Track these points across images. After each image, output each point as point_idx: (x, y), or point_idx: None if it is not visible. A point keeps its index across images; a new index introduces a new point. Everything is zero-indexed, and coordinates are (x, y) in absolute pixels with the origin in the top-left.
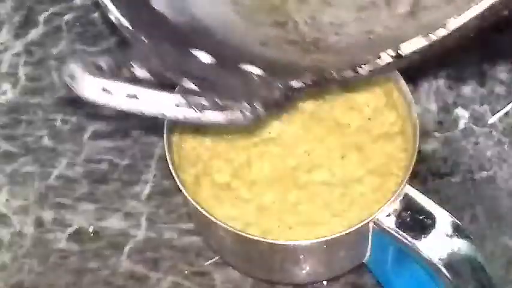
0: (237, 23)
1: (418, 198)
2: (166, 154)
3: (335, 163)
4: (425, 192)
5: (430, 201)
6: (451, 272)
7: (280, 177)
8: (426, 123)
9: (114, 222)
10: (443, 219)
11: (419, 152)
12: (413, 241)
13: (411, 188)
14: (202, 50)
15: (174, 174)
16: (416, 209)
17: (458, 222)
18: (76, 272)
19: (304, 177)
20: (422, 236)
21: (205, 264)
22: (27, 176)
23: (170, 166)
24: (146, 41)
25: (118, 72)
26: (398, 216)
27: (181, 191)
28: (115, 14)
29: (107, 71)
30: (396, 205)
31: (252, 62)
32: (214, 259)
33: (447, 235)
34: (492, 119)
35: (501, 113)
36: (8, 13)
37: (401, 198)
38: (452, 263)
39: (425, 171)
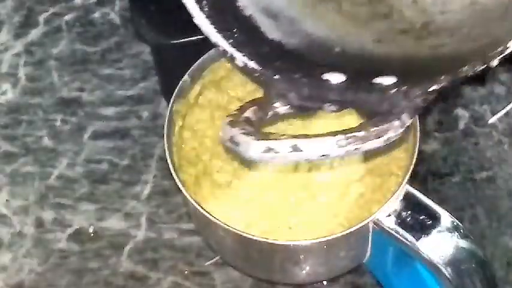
0: (347, 26)
1: (418, 198)
2: (166, 154)
3: (335, 163)
4: (425, 192)
5: (430, 201)
6: (451, 272)
7: (281, 177)
8: (426, 123)
9: (114, 222)
10: (443, 219)
11: (419, 152)
12: (414, 241)
13: (411, 188)
14: (326, 67)
15: (174, 174)
16: (416, 209)
17: (458, 222)
18: (76, 272)
19: (305, 177)
20: (423, 236)
21: (205, 264)
22: (27, 176)
23: (170, 166)
24: (277, 78)
25: (264, 117)
26: (398, 216)
27: (181, 191)
28: (241, 59)
29: (256, 121)
30: (396, 205)
31: (380, 71)
32: (214, 259)
33: (447, 235)
34: (492, 119)
35: (501, 113)
36: (8, 13)
37: (401, 198)
38: (453, 262)
39: (425, 171)
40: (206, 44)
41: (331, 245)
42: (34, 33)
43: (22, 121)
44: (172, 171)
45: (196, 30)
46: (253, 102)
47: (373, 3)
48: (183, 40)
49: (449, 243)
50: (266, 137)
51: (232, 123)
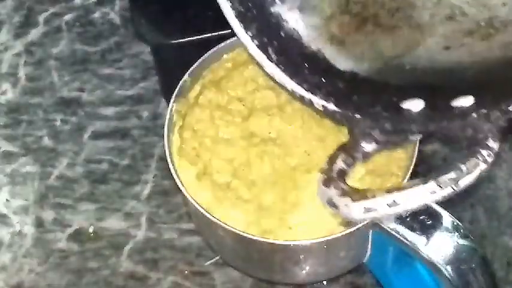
0: (413, 35)
1: None
2: (166, 154)
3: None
4: None
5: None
6: (451, 272)
7: (280, 177)
8: None
9: (114, 222)
10: (444, 219)
11: (419, 152)
12: (414, 241)
13: None
14: (402, 93)
15: (174, 174)
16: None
17: (459, 222)
18: (76, 272)
19: (304, 177)
20: (423, 235)
21: (205, 264)
22: (27, 176)
23: (170, 166)
24: (359, 117)
25: (354, 161)
26: (399, 216)
27: (181, 191)
28: (319, 102)
29: (345, 167)
30: None
31: (456, 89)
32: (214, 259)
33: (447, 235)
34: None
35: None
36: (8, 13)
37: None
38: (453, 262)
39: (425, 171)
40: (206, 44)
41: (331, 245)
42: (34, 33)
43: (22, 121)
44: (172, 171)
45: (196, 30)
46: (341, 148)
47: (434, 5)
48: (183, 40)
49: (449, 243)
50: (362, 195)
51: (326, 182)
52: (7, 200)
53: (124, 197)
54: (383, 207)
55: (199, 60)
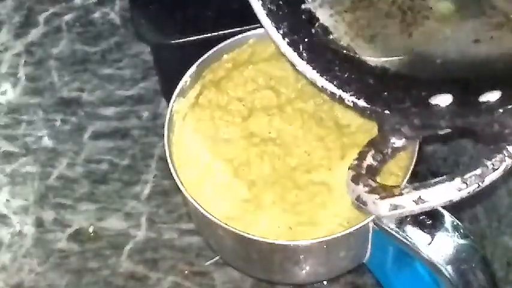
0: (444, 30)
1: None
2: (167, 154)
3: (335, 163)
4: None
5: None
6: (452, 272)
7: (280, 177)
8: None
9: (114, 222)
10: (444, 219)
11: (419, 152)
12: (413, 241)
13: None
14: (432, 87)
15: (174, 174)
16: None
17: (459, 222)
18: (76, 272)
19: (304, 177)
20: (423, 236)
21: (205, 264)
22: (27, 176)
23: (170, 166)
24: (388, 113)
25: (383, 157)
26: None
27: (181, 191)
28: (350, 99)
29: (374, 163)
30: None
31: (484, 84)
32: (214, 259)
33: (447, 235)
34: None
35: None
36: (8, 13)
37: None
38: (453, 262)
39: (425, 171)
40: (206, 44)
41: (331, 245)
42: (34, 33)
43: (22, 121)
44: (173, 171)
45: (196, 30)
46: (370, 144)
47: (466, 1)
48: (183, 40)
49: (449, 243)
50: (390, 192)
51: (355, 179)
52: (7, 200)
53: (124, 197)
54: (410, 204)
55: (199, 60)
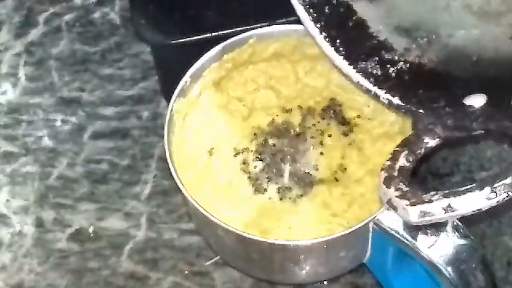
0: (481, 25)
1: None
2: (167, 154)
3: (335, 163)
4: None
5: None
6: (452, 272)
7: (280, 177)
8: None
9: (114, 222)
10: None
11: None
12: (414, 241)
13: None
14: (466, 87)
15: (174, 174)
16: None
17: (459, 222)
18: (76, 272)
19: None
20: (422, 235)
21: (205, 264)
22: (27, 176)
23: (170, 166)
24: (422, 112)
25: (416, 157)
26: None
27: (181, 191)
28: (385, 96)
29: (406, 164)
30: None
31: None
32: (214, 259)
33: (447, 235)
34: None
35: None
36: (8, 13)
37: None
38: (453, 262)
39: (425, 171)
40: (206, 44)
41: (331, 245)
42: (34, 33)
43: (22, 121)
44: (173, 171)
45: (196, 30)
46: (403, 144)
47: None
48: (183, 40)
49: (449, 243)
50: (420, 199)
51: (387, 181)
52: (7, 200)
53: (124, 197)
54: (439, 212)
55: (199, 60)
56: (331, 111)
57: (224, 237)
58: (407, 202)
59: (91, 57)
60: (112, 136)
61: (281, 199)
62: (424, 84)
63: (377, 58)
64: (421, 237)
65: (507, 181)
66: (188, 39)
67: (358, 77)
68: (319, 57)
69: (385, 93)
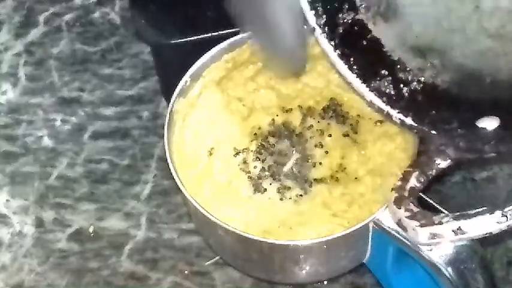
0: (496, 48)
1: (418, 198)
2: (167, 154)
3: (335, 163)
4: (425, 192)
5: (431, 201)
6: (452, 272)
7: (281, 177)
8: None
9: (114, 222)
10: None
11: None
12: (414, 241)
13: None
14: (480, 109)
15: (174, 174)
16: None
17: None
18: (76, 272)
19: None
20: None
21: (205, 264)
22: (27, 176)
23: (170, 166)
24: (434, 133)
25: (427, 178)
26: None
27: (181, 191)
28: (397, 116)
29: (417, 184)
30: None
31: None
32: (214, 259)
33: None
34: None
35: None
36: (8, 13)
37: None
38: (453, 262)
39: None
40: (206, 44)
41: (331, 245)
42: (34, 33)
43: (22, 121)
44: (173, 171)
45: (196, 30)
46: (415, 164)
47: None
48: (183, 40)
49: (449, 243)
50: (429, 220)
51: (398, 202)
52: (7, 200)
53: (124, 197)
54: (449, 234)
55: (199, 60)
56: (331, 111)
57: (224, 237)
58: (418, 223)
59: (91, 57)
60: (112, 136)
61: (281, 199)
62: (437, 105)
63: (390, 77)
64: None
65: None
66: (188, 39)
67: (371, 96)
68: (319, 57)
69: (397, 112)
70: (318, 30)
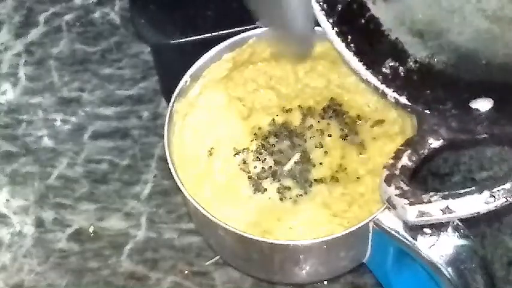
0: (493, 30)
1: None
2: (167, 154)
3: (335, 163)
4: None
5: None
6: (451, 272)
7: (281, 177)
8: None
9: (114, 222)
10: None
11: None
12: (414, 241)
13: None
14: (474, 90)
15: (174, 174)
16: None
17: (459, 222)
18: (76, 272)
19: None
20: (423, 236)
21: (205, 264)
22: (27, 176)
23: (170, 166)
24: (428, 112)
25: (419, 157)
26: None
27: (181, 191)
28: (392, 95)
29: (409, 163)
30: None
31: None
32: (214, 259)
33: (447, 235)
34: None
35: None
36: (8, 13)
37: None
38: (453, 262)
39: (425, 171)
40: (206, 44)
41: (331, 245)
42: (34, 33)
43: (22, 121)
44: (173, 171)
45: (196, 30)
46: (407, 143)
47: None
48: (183, 40)
49: (449, 244)
50: (418, 198)
51: (388, 180)
52: (7, 200)
53: (124, 197)
54: (437, 213)
55: (199, 60)
56: (331, 111)
57: (224, 237)
58: (407, 201)
59: (91, 57)
60: (112, 136)
61: (281, 199)
62: (432, 85)
63: (387, 57)
64: (421, 237)
65: (506, 186)
66: (188, 39)
67: (367, 74)
68: (319, 57)
69: (392, 91)
70: (317, 7)
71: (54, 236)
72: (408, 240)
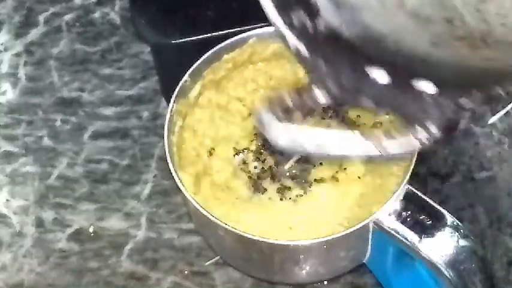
0: (408, 24)
1: (418, 198)
2: (166, 154)
3: (335, 163)
4: (425, 192)
5: (430, 201)
6: (451, 272)
7: (280, 177)
8: None
9: (114, 222)
10: (444, 219)
11: (419, 152)
12: (414, 241)
13: (411, 188)
14: (377, 65)
15: (174, 174)
16: (416, 209)
17: (459, 222)
18: (76, 272)
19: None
20: (423, 236)
21: (205, 264)
22: (27, 176)
23: (170, 166)
24: (323, 66)
25: (301, 102)
26: (399, 216)
27: (181, 191)
28: (293, 42)
29: (293, 107)
30: (396, 205)
31: (424, 74)
32: (214, 259)
33: (447, 235)
34: (492, 119)
35: (501, 113)
36: (8, 13)
37: (402, 198)
38: (453, 263)
39: (425, 171)
40: (206, 44)
41: (331, 245)
42: (34, 33)
43: (22, 121)
44: (173, 171)
45: (196, 30)
46: (293, 87)
47: (439, 5)
48: (183, 40)
49: (449, 243)
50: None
51: (271, 107)
52: (7, 200)
53: (124, 197)
54: (309, 143)
55: (199, 60)
56: (331, 111)
57: (224, 237)
58: (282, 125)
59: (91, 57)
60: (112, 136)
61: (281, 199)
62: (336, 49)
63: (302, 12)
64: (421, 237)
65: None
66: (188, 39)
67: (276, 18)
68: None
69: (295, 39)
70: None
71: (54, 236)
72: (408, 240)
